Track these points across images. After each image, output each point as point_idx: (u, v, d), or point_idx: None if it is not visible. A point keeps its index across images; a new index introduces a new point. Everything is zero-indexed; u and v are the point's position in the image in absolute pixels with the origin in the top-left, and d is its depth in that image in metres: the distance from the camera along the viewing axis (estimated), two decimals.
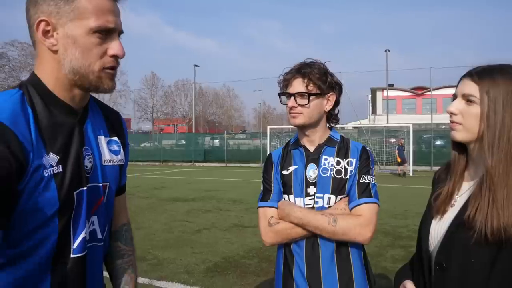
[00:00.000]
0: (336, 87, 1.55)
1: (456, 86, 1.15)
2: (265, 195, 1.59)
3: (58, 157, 0.92)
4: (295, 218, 1.45)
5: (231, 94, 59.69)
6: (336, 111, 1.60)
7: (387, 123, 25.74)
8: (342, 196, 1.50)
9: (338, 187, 1.50)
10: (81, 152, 0.99)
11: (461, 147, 1.17)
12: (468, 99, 1.08)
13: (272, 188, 1.58)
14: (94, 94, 1.07)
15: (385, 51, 26.56)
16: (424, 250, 1.18)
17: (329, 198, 1.49)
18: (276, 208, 1.54)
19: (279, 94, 1.57)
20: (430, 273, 1.16)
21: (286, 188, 1.55)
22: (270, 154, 1.69)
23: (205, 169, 21.89)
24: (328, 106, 1.54)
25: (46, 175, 0.89)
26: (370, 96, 46.76)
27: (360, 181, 1.49)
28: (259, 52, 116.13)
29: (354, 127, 26.60)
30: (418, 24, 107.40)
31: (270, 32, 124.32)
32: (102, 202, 1.06)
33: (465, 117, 1.09)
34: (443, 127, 24.76)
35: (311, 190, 1.51)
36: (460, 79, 1.13)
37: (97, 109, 1.12)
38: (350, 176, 1.51)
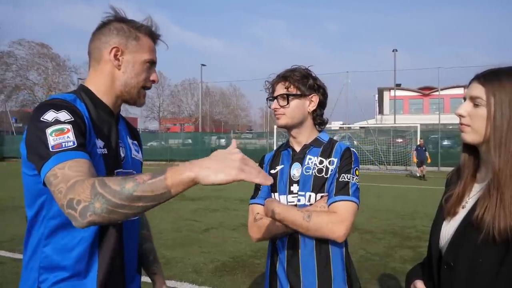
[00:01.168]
0: (319, 89, 1.62)
1: (466, 88, 1.17)
2: (254, 193, 1.70)
3: (104, 143, 1.22)
4: (274, 213, 1.51)
5: (238, 93, 59.81)
6: (320, 112, 1.66)
7: (394, 123, 25.60)
8: (322, 194, 1.54)
9: (319, 185, 1.54)
10: (118, 143, 1.29)
11: (471, 149, 1.18)
12: (475, 102, 1.10)
13: (261, 186, 1.67)
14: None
15: (393, 51, 26.43)
16: (434, 250, 1.20)
17: (310, 196, 1.54)
18: (263, 205, 1.63)
19: (267, 99, 1.68)
20: (439, 272, 1.17)
21: (273, 186, 1.63)
22: (263, 156, 1.81)
23: None
24: (311, 107, 1.61)
25: (99, 152, 1.18)
26: (377, 96, 46.54)
27: (340, 179, 1.52)
28: (265, 52, 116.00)
29: (361, 127, 26.50)
30: (426, 23, 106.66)
31: (276, 32, 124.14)
32: None
33: (473, 119, 1.11)
34: (450, 127, 24.55)
35: (294, 188, 1.58)
36: (469, 83, 1.15)
37: (123, 120, 1.45)
38: (330, 174, 1.55)
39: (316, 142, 1.63)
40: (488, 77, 1.09)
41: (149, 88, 1.34)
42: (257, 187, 1.68)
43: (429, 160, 15.99)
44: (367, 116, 32.53)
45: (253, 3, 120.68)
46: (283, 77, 1.60)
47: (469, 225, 1.08)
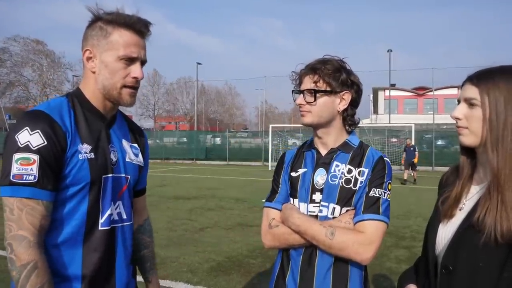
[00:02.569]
0: (352, 85, 1.44)
1: (460, 90, 1.16)
2: (271, 195, 1.53)
3: (91, 147, 1.21)
4: (293, 224, 1.37)
5: (233, 92, 59.76)
6: (352, 112, 1.47)
7: (389, 123, 25.71)
8: (348, 208, 1.39)
9: (345, 197, 1.39)
10: (107, 148, 1.27)
11: (469, 151, 1.16)
12: (470, 103, 1.08)
13: (279, 189, 1.52)
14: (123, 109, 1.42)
15: (388, 51, 26.53)
16: (431, 253, 1.18)
17: (334, 208, 1.39)
18: (280, 210, 1.47)
19: (292, 91, 1.50)
20: (436, 276, 1.15)
21: (292, 191, 1.48)
22: (284, 153, 1.62)
23: (206, 167, 21.91)
24: (342, 106, 1.43)
25: (81, 158, 1.18)
26: (371, 95, 46.69)
27: (369, 194, 1.37)
28: (261, 51, 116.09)
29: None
30: (421, 24, 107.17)
31: (271, 31, 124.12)
32: (125, 189, 1.33)
33: (469, 121, 1.09)
34: (444, 127, 24.71)
35: (317, 197, 1.42)
36: (462, 84, 1.13)
37: (124, 121, 1.42)
38: (359, 187, 1.39)
39: (345, 147, 1.46)
40: (481, 77, 1.07)
41: (132, 86, 1.25)
42: (275, 189, 1.53)
43: (415, 160, 14.79)
44: (362, 115, 32.64)
45: (250, 1, 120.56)
46: (313, 69, 1.41)
47: (469, 228, 1.06)
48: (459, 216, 1.13)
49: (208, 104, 53.55)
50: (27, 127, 1.10)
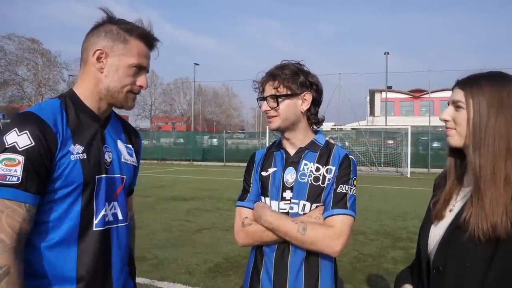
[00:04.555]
0: (311, 86, 1.50)
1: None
2: (242, 195, 1.58)
3: (83, 148, 1.21)
4: (265, 221, 1.43)
5: (230, 93, 59.74)
6: (315, 111, 1.54)
7: (386, 124, 25.80)
8: (318, 204, 1.46)
9: (315, 194, 1.46)
10: (101, 148, 1.27)
11: (457, 153, 1.20)
12: (456, 105, 1.14)
13: (251, 188, 1.57)
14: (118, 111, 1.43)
15: (385, 53, 26.65)
16: (423, 254, 1.21)
17: (304, 205, 1.46)
18: (252, 208, 1.52)
19: (257, 99, 1.57)
20: (428, 277, 1.18)
21: (264, 190, 1.54)
22: (254, 153, 1.68)
23: (203, 168, 21.90)
24: (304, 106, 1.49)
25: (74, 159, 1.18)
26: (368, 97, 46.86)
27: (337, 190, 1.45)
28: (258, 52, 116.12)
29: (353, 128, 26.63)
30: (418, 27, 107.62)
31: (269, 32, 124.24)
32: (121, 190, 1.33)
33: (456, 123, 1.14)
34: (440, 129, 24.81)
35: (287, 194, 1.48)
36: (452, 88, 1.19)
37: (118, 122, 1.43)
38: (327, 184, 1.47)
39: (312, 146, 1.53)
40: (468, 82, 1.14)
41: (136, 93, 1.31)
42: (246, 188, 1.59)
43: None
44: (359, 117, 32.70)
45: (247, 2, 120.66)
46: (272, 75, 1.48)
47: (457, 229, 1.10)
48: (449, 218, 1.17)
49: (205, 105, 53.54)
50: (16, 128, 1.10)
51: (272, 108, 1.48)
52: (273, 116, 1.49)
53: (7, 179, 1.06)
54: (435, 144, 21.65)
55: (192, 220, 7.21)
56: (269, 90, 1.48)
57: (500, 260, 1.02)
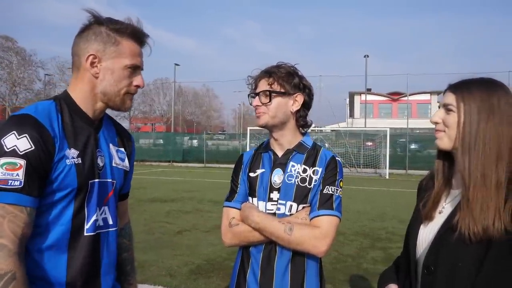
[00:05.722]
0: (304, 89, 1.53)
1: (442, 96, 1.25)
2: (230, 195, 1.60)
3: (78, 152, 1.19)
4: (253, 222, 1.45)
5: (211, 94, 59.48)
6: (304, 113, 1.57)
7: (365, 126, 26.23)
8: (304, 205, 1.48)
9: (301, 195, 1.48)
10: (95, 152, 1.25)
11: (445, 155, 1.23)
12: (447, 108, 1.16)
13: (238, 188, 1.59)
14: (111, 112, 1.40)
15: (364, 56, 27.10)
16: (412, 255, 1.23)
17: (291, 206, 1.48)
18: (239, 209, 1.54)
19: (248, 95, 1.59)
20: (417, 277, 1.20)
21: (251, 191, 1.56)
22: (241, 154, 1.70)
23: (183, 169, 21.69)
24: (295, 107, 1.52)
25: (69, 163, 1.16)
26: (348, 100, 47.54)
27: (323, 191, 1.47)
28: (239, 53, 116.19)
29: (332, 130, 26.95)
30: (397, 31, 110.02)
31: (249, 33, 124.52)
32: (112, 195, 1.32)
33: (446, 126, 1.16)
34: (418, 131, 25.43)
35: (275, 195, 1.50)
36: (444, 92, 1.22)
37: (111, 124, 1.41)
38: (314, 185, 1.49)
39: (300, 148, 1.55)
40: (459, 86, 1.16)
41: (133, 93, 1.30)
42: (234, 189, 1.61)
43: None
44: (338, 119, 33.13)
45: (227, 3, 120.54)
46: (268, 72, 1.51)
47: (449, 230, 1.12)
48: (439, 219, 1.18)
49: (185, 106, 53.08)
50: (14, 131, 1.07)
51: (263, 104, 1.49)
52: (263, 112, 1.50)
53: (9, 184, 1.04)
54: (413, 146, 22.14)
55: (172, 222, 7.13)
56: (263, 86, 1.50)
57: (491, 260, 1.04)
